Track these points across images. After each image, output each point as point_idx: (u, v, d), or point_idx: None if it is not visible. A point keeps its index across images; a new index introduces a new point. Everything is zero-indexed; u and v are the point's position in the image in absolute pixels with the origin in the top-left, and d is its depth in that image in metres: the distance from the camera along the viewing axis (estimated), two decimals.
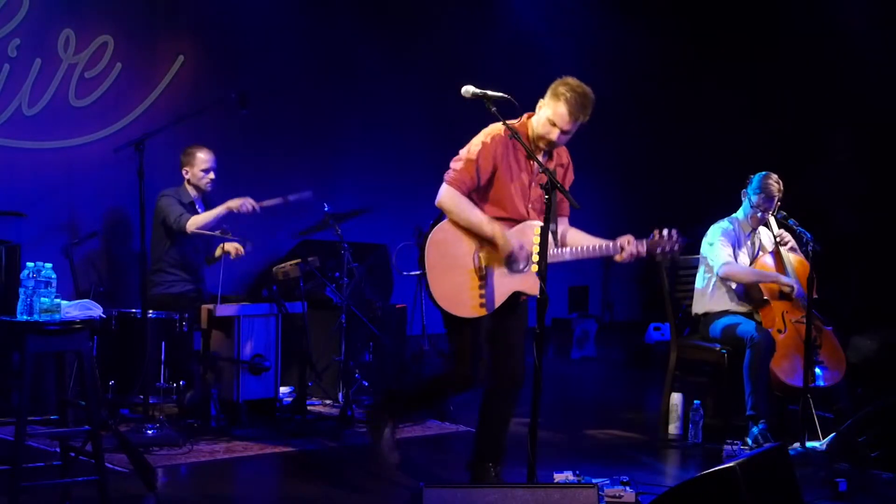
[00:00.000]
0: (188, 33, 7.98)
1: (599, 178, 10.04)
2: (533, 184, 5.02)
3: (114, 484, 4.90)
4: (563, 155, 5.14)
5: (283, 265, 6.78)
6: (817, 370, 6.47)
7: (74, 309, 4.71)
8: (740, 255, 6.72)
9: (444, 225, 4.97)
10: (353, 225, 7.38)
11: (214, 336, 6.61)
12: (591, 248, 4.99)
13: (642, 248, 4.89)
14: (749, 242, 6.77)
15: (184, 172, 6.90)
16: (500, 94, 4.80)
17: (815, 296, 6.32)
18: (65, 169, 7.37)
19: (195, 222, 6.66)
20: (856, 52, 9.58)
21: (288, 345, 7.01)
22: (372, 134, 8.90)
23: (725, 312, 6.70)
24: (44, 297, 4.59)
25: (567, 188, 5.11)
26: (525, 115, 5.04)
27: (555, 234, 4.99)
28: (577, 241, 5.07)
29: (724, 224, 6.74)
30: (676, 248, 4.95)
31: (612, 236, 4.99)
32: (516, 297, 5.02)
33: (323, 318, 7.20)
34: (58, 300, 4.64)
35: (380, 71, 8.91)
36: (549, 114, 4.89)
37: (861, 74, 9.63)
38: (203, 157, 6.87)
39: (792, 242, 6.77)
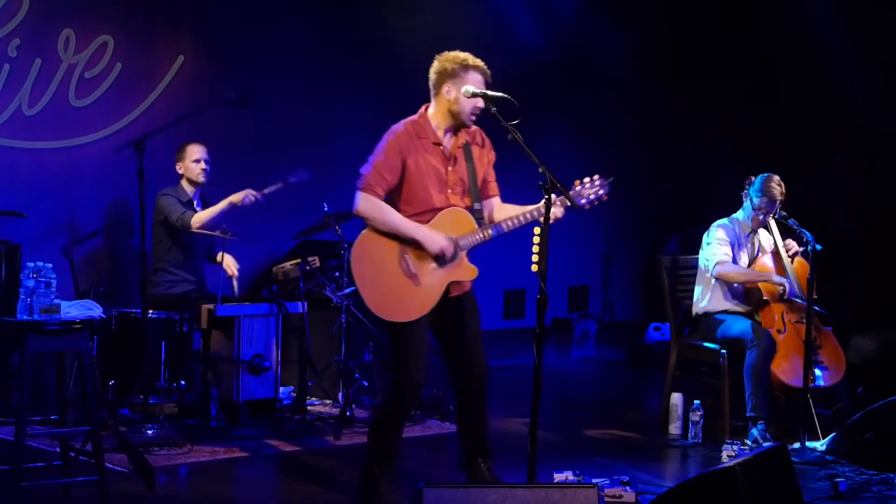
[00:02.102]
0: (188, 33, 7.97)
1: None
2: (449, 168, 5.03)
3: (114, 484, 4.90)
4: (475, 134, 5.15)
5: (283, 265, 6.78)
6: (817, 370, 6.47)
7: (74, 309, 4.71)
8: (741, 255, 6.72)
9: (363, 236, 4.96)
10: (354, 225, 7.36)
11: (214, 336, 6.61)
12: (518, 218, 4.96)
13: (566, 202, 4.80)
14: (749, 243, 6.78)
15: (178, 168, 6.92)
16: (500, 93, 4.81)
17: (815, 296, 6.32)
18: (65, 169, 7.36)
19: (199, 219, 6.67)
20: (855, 51, 9.59)
21: (288, 345, 7.02)
22: (372, 133, 8.86)
23: (725, 312, 6.70)
24: (44, 297, 4.59)
25: (490, 167, 5.16)
26: (423, 108, 5.09)
27: (479, 212, 5.03)
28: (505, 215, 5.04)
29: (723, 222, 6.75)
30: (602, 192, 4.91)
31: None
32: (454, 287, 5.00)
33: (323, 318, 7.20)
34: (58, 300, 4.64)
35: (380, 70, 8.90)
36: (467, 87, 4.94)
37: (861, 74, 9.63)
38: (193, 149, 6.89)
39: (794, 249, 6.75)
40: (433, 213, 4.98)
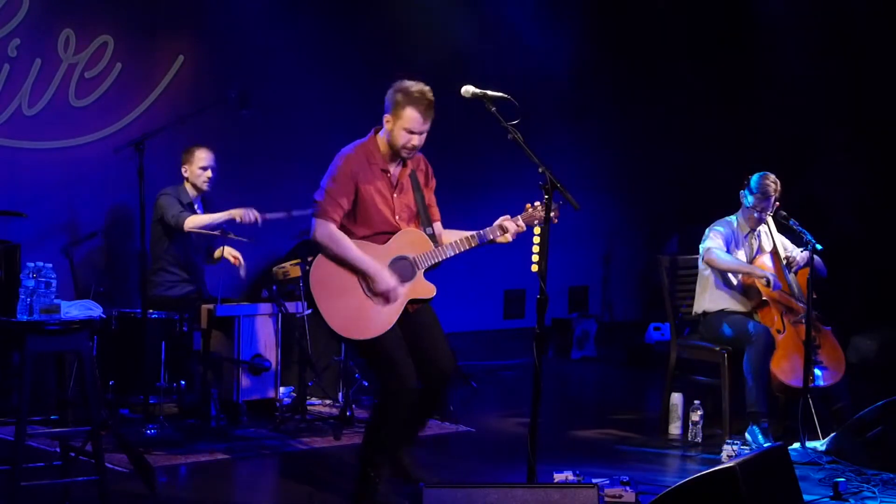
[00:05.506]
0: (188, 33, 7.97)
1: (599, 180, 10.06)
2: (395, 195, 5.08)
3: (114, 484, 4.91)
4: (419, 161, 5.22)
5: (283, 265, 6.78)
6: (817, 370, 6.47)
7: (74, 309, 4.71)
8: (737, 254, 6.72)
9: (320, 260, 4.98)
10: None
11: (214, 336, 6.61)
12: (471, 237, 5.06)
13: (521, 223, 4.95)
14: (747, 243, 6.77)
15: (183, 171, 6.92)
16: (500, 93, 4.80)
17: (814, 296, 6.32)
18: (65, 169, 7.36)
19: (193, 221, 6.67)
20: (856, 50, 9.59)
21: (288, 345, 7.01)
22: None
23: (724, 312, 6.70)
24: (44, 297, 4.59)
25: (432, 192, 5.24)
26: (373, 131, 5.12)
27: (432, 236, 5.11)
28: (456, 236, 5.12)
29: (722, 222, 6.76)
30: (552, 214, 4.95)
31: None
32: (411, 305, 5.05)
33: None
34: (58, 300, 4.64)
35: (380, 70, 8.89)
36: (402, 123, 4.98)
37: (861, 73, 9.63)
38: (201, 156, 6.89)
39: (798, 261, 6.73)
40: (387, 236, 5.04)
